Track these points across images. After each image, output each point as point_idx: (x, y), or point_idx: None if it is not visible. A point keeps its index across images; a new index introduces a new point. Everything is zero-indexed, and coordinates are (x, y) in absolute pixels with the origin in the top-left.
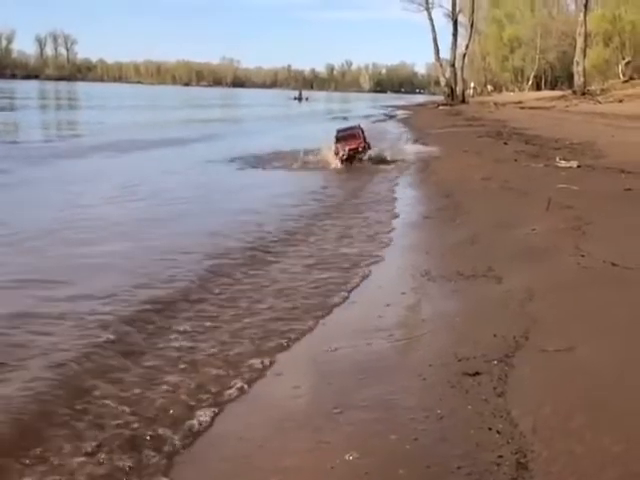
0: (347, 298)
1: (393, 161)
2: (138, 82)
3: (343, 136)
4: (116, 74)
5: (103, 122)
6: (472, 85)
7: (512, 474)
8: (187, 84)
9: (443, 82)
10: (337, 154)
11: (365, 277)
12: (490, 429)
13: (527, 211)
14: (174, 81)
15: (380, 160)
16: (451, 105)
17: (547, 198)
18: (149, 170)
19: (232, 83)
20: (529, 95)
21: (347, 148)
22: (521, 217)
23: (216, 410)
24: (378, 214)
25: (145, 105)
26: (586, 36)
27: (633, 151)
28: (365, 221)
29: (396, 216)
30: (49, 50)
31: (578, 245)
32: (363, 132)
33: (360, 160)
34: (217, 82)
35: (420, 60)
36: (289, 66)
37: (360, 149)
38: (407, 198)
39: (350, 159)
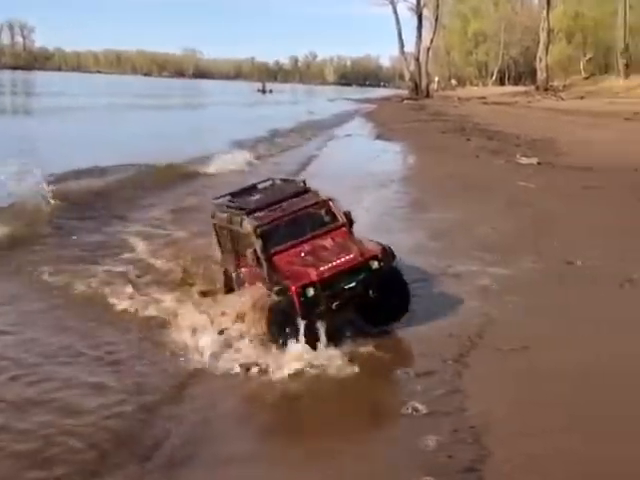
0: None
1: None
2: (98, 72)
3: (272, 230)
4: (75, 63)
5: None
6: (436, 79)
7: (465, 473)
8: (148, 74)
9: (407, 76)
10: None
11: None
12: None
13: (487, 208)
14: (134, 71)
15: None
16: (415, 99)
17: (507, 195)
18: None
19: (194, 74)
20: (493, 90)
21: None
22: (481, 214)
23: None
24: None
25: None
26: (549, 32)
27: (592, 149)
28: None
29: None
30: (5, 38)
31: (536, 243)
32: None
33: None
34: (179, 73)
35: (385, 53)
36: (253, 58)
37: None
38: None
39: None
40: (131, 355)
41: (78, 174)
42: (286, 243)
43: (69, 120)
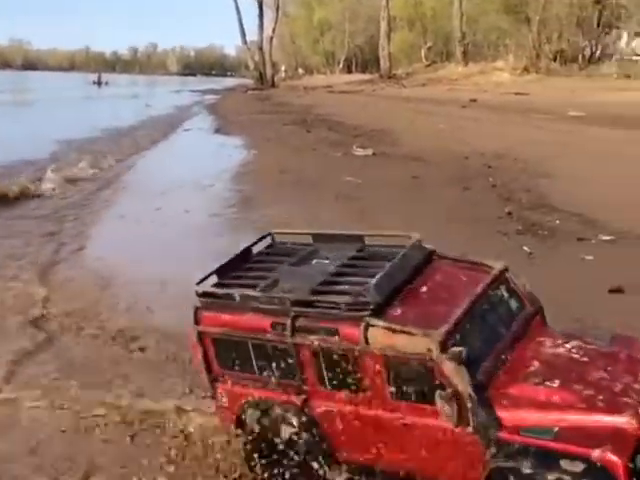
0: None
1: None
2: None
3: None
4: None
5: None
6: (283, 68)
7: None
8: None
9: (252, 66)
10: None
11: None
12: None
13: (316, 203)
14: None
15: None
16: (261, 89)
17: (337, 189)
18: None
19: (23, 66)
20: (340, 78)
21: None
22: (309, 210)
23: None
24: None
25: None
26: (390, 20)
27: (429, 137)
28: None
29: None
30: None
31: None
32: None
33: None
34: (5, 65)
35: (230, 42)
36: (87, 48)
37: None
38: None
39: None
40: None
41: None
42: (491, 360)
43: None
